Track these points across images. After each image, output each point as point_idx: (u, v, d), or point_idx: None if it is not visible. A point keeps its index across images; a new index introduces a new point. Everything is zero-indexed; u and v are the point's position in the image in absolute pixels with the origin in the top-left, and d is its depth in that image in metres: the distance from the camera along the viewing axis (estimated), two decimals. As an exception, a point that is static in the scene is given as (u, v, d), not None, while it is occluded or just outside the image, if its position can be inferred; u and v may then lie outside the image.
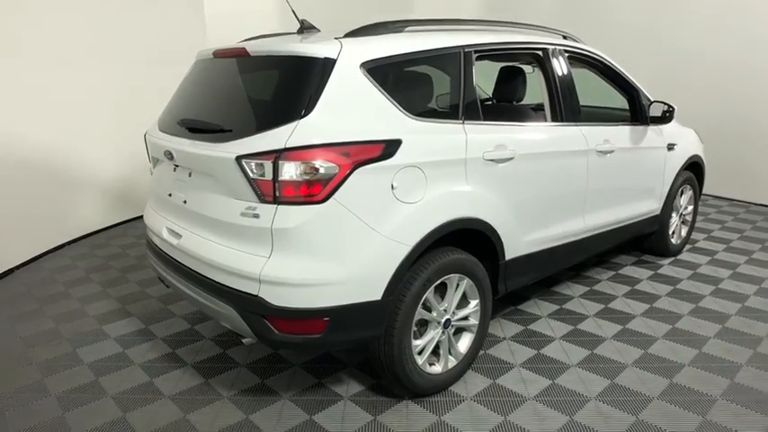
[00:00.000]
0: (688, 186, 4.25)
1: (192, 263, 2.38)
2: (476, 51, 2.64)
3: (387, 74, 2.33)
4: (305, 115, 2.08)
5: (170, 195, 2.57)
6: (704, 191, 6.09)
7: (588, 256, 3.60)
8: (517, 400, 2.51)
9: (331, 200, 2.06)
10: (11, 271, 4.09)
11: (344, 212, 2.09)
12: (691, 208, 4.38)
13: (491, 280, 2.73)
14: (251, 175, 2.07)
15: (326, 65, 2.16)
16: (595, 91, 3.83)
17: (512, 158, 2.65)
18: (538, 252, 2.94)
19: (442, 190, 2.35)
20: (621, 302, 3.51)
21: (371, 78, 2.24)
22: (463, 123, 2.51)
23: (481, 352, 2.93)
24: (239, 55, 2.46)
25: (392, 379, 2.43)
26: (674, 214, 4.20)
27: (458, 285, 2.53)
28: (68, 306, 3.53)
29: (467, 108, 2.55)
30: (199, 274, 2.34)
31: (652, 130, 3.71)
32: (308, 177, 2.03)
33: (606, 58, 3.47)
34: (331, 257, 2.11)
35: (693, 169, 4.30)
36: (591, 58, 3.39)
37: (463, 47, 2.59)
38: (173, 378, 2.72)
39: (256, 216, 2.10)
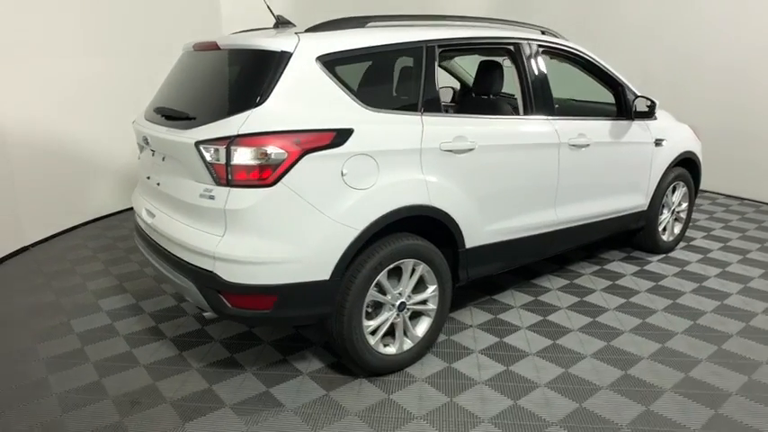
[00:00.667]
0: (681, 183, 4.19)
1: (162, 241, 2.57)
2: (439, 46, 2.72)
3: (344, 67, 2.45)
4: (259, 104, 2.22)
5: (149, 178, 2.76)
6: (716, 189, 6.02)
7: (566, 248, 3.63)
8: (467, 383, 2.60)
9: (280, 183, 2.20)
10: (26, 248, 4.40)
11: (293, 196, 2.22)
12: (685, 205, 4.32)
13: (452, 267, 2.83)
14: (208, 159, 2.23)
15: (283, 58, 2.29)
16: (586, 86, 3.84)
17: (472, 149, 2.72)
18: (503, 242, 3.00)
19: (394, 178, 2.46)
20: (598, 296, 3.53)
21: (327, 71, 2.36)
22: (422, 115, 2.60)
23: (444, 337, 3.02)
24: (211, 48, 2.62)
25: (346, 357, 2.56)
26: (665, 211, 4.16)
27: (413, 270, 2.63)
28: (71, 281, 3.80)
29: (427, 100, 2.64)
30: (167, 251, 2.52)
31: (637, 125, 3.69)
32: (258, 162, 2.17)
33: (588, 53, 3.48)
34: (280, 238, 2.25)
35: (688, 166, 4.24)
36: (571, 53, 3.41)
37: (425, 42, 2.67)
38: (150, 349, 2.92)
39: (212, 197, 2.26)
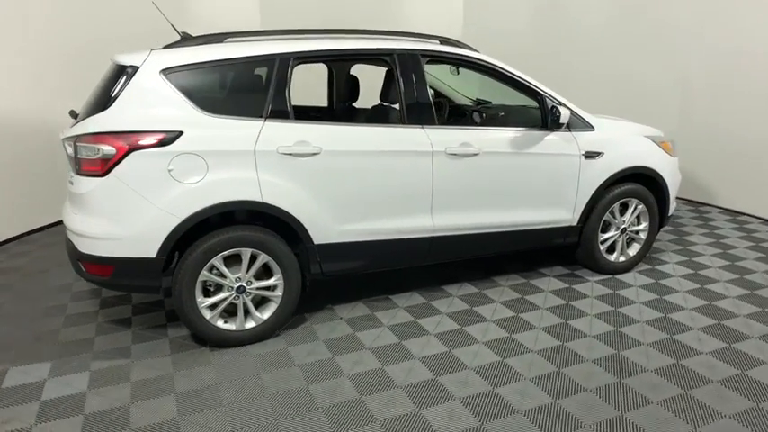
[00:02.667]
0: (635, 201, 3.87)
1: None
2: (296, 58, 3.00)
3: (189, 77, 2.86)
4: (105, 109, 2.74)
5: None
6: (754, 212, 5.28)
7: (465, 256, 3.65)
8: (286, 362, 2.87)
9: (110, 175, 2.69)
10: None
11: (121, 185, 2.70)
12: (645, 225, 3.98)
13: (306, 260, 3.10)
14: (68, 152, 2.81)
15: (130, 70, 2.78)
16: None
17: (317, 154, 2.96)
18: (363, 242, 3.17)
19: (223, 175, 2.81)
20: (490, 308, 3.49)
21: (169, 81, 2.80)
22: (264, 121, 2.91)
23: (308, 324, 3.29)
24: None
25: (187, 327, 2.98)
26: (612, 229, 3.90)
27: (254, 259, 2.96)
28: (76, 247, 4.72)
29: (273, 108, 2.94)
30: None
31: (559, 135, 3.55)
32: (93, 156, 2.69)
33: (494, 62, 3.44)
34: (111, 218, 2.75)
35: (647, 183, 3.90)
36: (471, 62, 3.42)
37: (278, 54, 2.97)
38: (81, 305, 3.61)
39: (72, 183, 2.83)
